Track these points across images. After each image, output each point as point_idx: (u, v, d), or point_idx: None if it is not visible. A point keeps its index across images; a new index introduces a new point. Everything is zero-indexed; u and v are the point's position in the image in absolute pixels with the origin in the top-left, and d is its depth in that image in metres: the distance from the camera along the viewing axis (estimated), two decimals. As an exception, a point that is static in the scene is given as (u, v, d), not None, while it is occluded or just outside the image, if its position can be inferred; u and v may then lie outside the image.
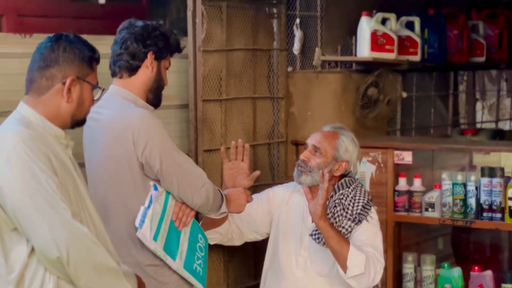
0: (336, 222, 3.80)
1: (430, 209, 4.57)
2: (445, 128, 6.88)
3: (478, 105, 7.66)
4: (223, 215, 3.54)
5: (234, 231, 4.01)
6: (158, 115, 3.41)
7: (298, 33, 4.86)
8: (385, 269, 4.16)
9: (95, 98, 2.73)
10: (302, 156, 3.89)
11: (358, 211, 3.82)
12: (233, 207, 3.56)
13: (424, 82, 6.42)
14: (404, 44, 5.23)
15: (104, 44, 3.36)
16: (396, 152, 4.62)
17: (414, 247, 4.95)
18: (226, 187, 3.77)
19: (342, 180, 3.89)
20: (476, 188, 4.46)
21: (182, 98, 4.24)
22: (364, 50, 4.99)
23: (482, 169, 4.47)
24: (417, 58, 5.30)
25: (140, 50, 3.36)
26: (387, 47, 5.00)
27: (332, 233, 3.66)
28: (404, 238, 4.81)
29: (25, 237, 2.52)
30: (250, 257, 4.53)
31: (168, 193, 3.34)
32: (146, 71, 3.38)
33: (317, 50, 4.97)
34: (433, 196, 4.56)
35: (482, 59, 6.10)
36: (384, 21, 5.10)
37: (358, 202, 3.83)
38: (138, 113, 3.29)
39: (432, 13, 5.65)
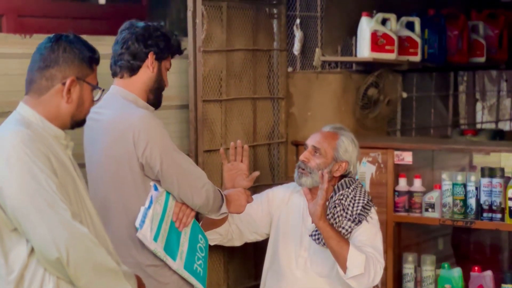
0: (336, 223, 3.80)
1: (430, 210, 4.57)
2: (445, 128, 6.87)
3: (478, 106, 7.66)
4: (223, 216, 3.54)
5: (234, 232, 4.01)
6: (158, 115, 3.41)
7: (298, 34, 4.86)
8: (385, 269, 4.16)
9: (95, 98, 2.73)
10: (301, 157, 3.89)
11: (358, 211, 3.82)
12: (233, 207, 3.56)
13: (424, 82, 6.42)
14: (404, 45, 5.23)
15: (104, 45, 3.36)
16: (396, 152, 4.62)
17: (414, 247, 4.95)
18: (226, 188, 3.77)
19: (342, 180, 3.89)
20: (476, 189, 4.46)
21: (182, 99, 4.24)
22: (364, 50, 4.99)
23: (482, 169, 4.47)
24: (417, 58, 5.30)
25: (141, 50, 3.36)
26: (387, 47, 5.00)
27: (332, 234, 3.66)
28: (404, 239, 4.81)
29: (24, 237, 2.52)
30: (250, 257, 4.53)
31: (168, 193, 3.34)
32: (147, 71, 3.38)
33: (317, 50, 4.97)
34: (433, 196, 4.56)
35: (482, 59, 6.10)
36: (384, 22, 5.10)
37: (358, 203, 3.83)
38: (139, 113, 3.28)
39: (432, 13, 5.65)
